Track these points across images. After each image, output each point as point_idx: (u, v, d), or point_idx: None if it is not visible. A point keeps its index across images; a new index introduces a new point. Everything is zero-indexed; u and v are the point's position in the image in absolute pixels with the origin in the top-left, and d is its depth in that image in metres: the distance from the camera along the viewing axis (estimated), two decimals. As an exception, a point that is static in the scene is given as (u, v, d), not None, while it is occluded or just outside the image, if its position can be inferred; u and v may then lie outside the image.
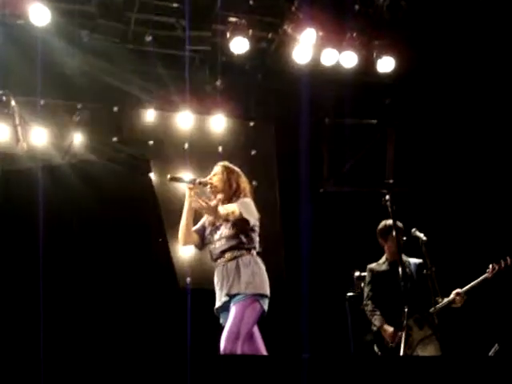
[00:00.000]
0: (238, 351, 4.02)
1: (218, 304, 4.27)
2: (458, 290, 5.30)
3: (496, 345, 5.36)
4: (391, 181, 4.90)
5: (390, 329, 5.19)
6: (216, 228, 4.40)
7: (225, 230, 4.34)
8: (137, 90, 6.84)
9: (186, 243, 4.42)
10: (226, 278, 4.22)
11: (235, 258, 4.25)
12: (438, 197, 7.01)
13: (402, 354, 4.76)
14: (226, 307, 4.23)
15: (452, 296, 5.28)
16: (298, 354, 5.01)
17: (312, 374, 2.59)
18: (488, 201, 6.95)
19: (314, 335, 5.94)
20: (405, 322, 4.79)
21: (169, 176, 4.43)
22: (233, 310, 4.14)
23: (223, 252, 4.29)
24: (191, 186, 4.33)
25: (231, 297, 4.19)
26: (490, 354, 5.35)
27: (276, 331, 6.36)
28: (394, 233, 4.99)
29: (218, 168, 4.52)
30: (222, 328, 4.21)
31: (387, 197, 4.78)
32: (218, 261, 4.30)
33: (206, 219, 4.49)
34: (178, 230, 4.36)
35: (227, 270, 4.23)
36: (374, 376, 2.89)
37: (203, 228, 4.49)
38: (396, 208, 4.84)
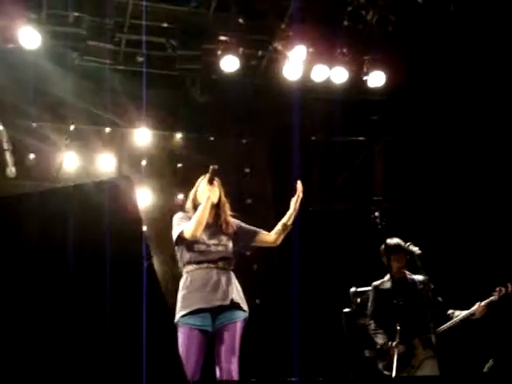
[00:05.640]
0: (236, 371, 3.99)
1: (205, 305, 4.02)
2: (480, 303, 5.17)
3: (491, 360, 5.33)
4: (380, 197, 4.89)
5: (393, 344, 5.14)
6: (214, 230, 4.26)
7: (225, 239, 4.22)
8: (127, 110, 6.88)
9: (197, 237, 4.16)
10: (219, 283, 4.07)
11: (226, 269, 4.16)
12: (428, 212, 6.99)
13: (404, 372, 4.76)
14: (219, 311, 4.05)
15: (473, 308, 5.17)
16: (288, 377, 4.99)
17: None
18: (478, 214, 6.94)
19: (307, 353, 5.91)
20: (408, 341, 4.78)
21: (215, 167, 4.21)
22: (236, 327, 4.05)
23: (220, 259, 4.16)
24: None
25: (232, 306, 4.07)
26: (484, 369, 5.31)
27: (267, 352, 6.37)
28: (386, 249, 4.96)
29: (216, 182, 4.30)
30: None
31: (376, 213, 4.78)
32: (211, 264, 4.13)
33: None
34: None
35: (219, 275, 4.10)
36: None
37: None
38: (386, 224, 4.83)
